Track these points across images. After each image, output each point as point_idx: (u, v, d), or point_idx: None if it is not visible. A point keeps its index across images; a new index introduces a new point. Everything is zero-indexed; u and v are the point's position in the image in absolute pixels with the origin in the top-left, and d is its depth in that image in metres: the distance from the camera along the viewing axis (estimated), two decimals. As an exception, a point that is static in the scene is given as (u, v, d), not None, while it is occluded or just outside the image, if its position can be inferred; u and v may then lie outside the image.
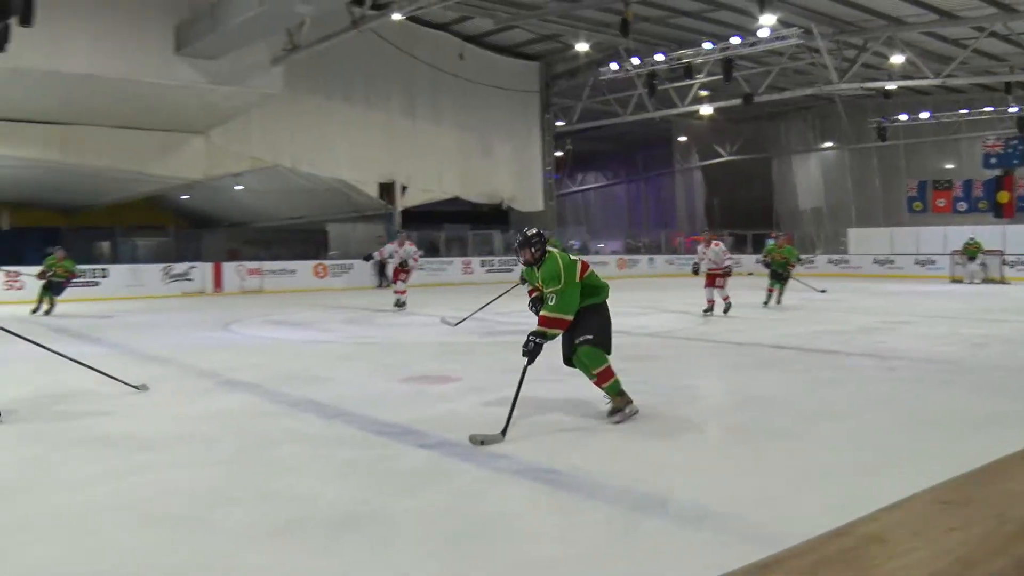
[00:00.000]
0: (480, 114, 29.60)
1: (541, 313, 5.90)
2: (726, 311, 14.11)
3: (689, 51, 24.74)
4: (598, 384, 6.01)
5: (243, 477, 4.76)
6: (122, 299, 20.62)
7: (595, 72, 28.87)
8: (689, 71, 25.64)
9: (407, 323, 13.64)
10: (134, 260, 26.23)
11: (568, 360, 6.13)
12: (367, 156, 26.81)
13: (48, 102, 20.73)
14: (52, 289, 16.27)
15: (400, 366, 9.10)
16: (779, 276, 16.06)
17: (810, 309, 15.51)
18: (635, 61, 26.07)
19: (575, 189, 47.26)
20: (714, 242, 14.33)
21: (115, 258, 26.29)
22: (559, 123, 33.33)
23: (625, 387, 5.88)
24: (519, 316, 12.07)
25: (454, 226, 31.57)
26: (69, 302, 18.68)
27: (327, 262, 25.51)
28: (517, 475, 4.68)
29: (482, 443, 5.27)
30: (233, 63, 19.89)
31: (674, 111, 30.19)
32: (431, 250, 29.37)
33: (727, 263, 14.23)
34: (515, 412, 5.59)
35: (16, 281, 17.60)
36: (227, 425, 6.12)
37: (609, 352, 6.03)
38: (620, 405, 6.00)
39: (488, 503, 4.26)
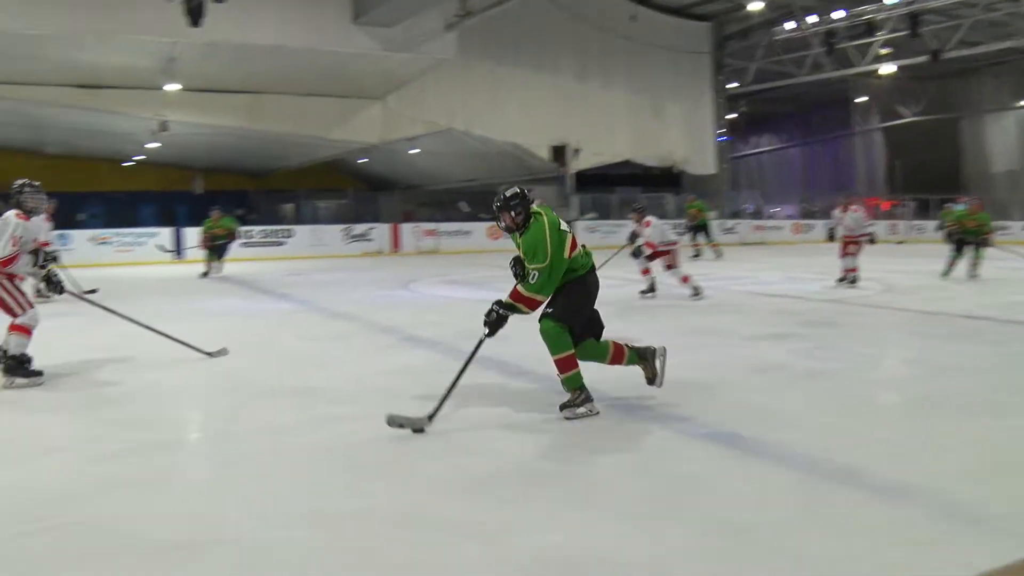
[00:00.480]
0: (651, 76, 29.19)
1: (517, 288, 5.09)
2: (853, 282, 12.99)
3: (871, 7, 23.56)
4: (558, 372, 5.11)
5: (432, 430, 4.89)
6: (305, 258, 21.67)
7: (769, 32, 27.94)
8: (870, 28, 24.45)
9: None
10: (315, 221, 27.51)
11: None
12: (538, 119, 26.95)
13: (238, 73, 21.90)
14: (217, 251, 16.67)
15: (577, 327, 9.18)
16: (966, 244, 14.85)
17: (1009, 280, 14.36)
18: (812, 19, 25.06)
19: (748, 152, 45.98)
20: (852, 207, 13.45)
21: (298, 219, 27.62)
22: (731, 85, 32.47)
23: (802, 352, 5.61)
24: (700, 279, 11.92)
25: (626, 189, 31.39)
26: (258, 261, 19.78)
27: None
28: (703, 439, 4.65)
29: (400, 427, 4.83)
30: (408, 30, 20.34)
31: (853, 70, 28.89)
32: (604, 213, 29.32)
33: (868, 229, 13.42)
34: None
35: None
36: (413, 380, 6.34)
37: (575, 329, 5.14)
38: (576, 400, 5.06)
39: (676, 465, 4.24)
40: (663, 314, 10.29)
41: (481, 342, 5.19)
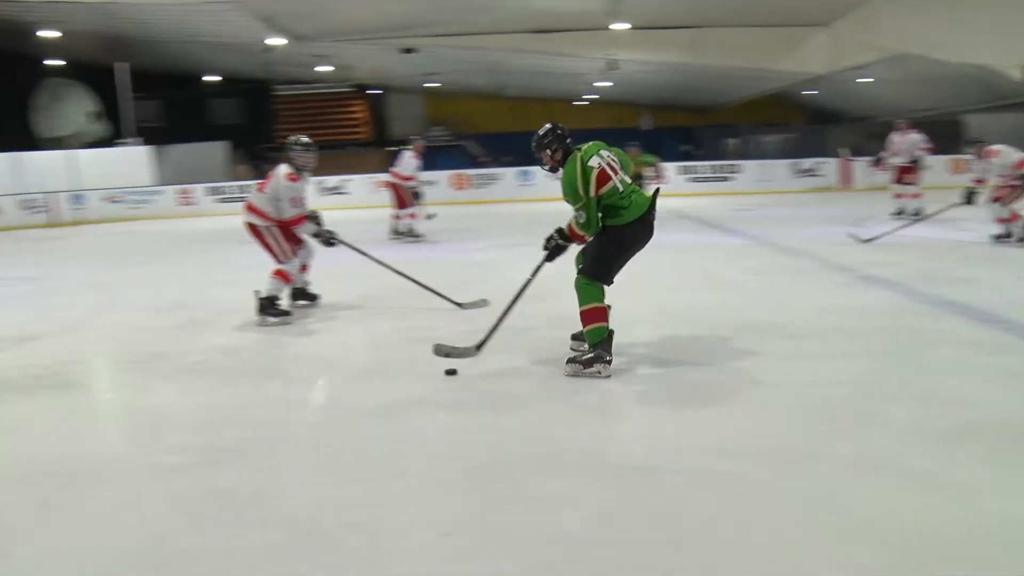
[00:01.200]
0: None
1: (570, 224, 4.92)
2: None
3: None
4: (583, 323, 4.86)
5: (896, 374, 4.81)
6: (752, 193, 21.62)
7: None
8: None
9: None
10: (760, 156, 27.31)
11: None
12: (1009, 35, 23.95)
13: (681, 8, 22.17)
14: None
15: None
16: None
17: None
18: None
19: None
20: None
21: (744, 154, 27.62)
22: None
23: None
24: None
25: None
26: (705, 196, 20.22)
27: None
28: None
29: (447, 355, 4.90)
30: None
31: None
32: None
33: None
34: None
35: (661, 178, 18.99)
36: (870, 321, 6.20)
37: (606, 282, 4.89)
38: (587, 357, 4.80)
39: None
40: None
41: (539, 268, 5.13)
